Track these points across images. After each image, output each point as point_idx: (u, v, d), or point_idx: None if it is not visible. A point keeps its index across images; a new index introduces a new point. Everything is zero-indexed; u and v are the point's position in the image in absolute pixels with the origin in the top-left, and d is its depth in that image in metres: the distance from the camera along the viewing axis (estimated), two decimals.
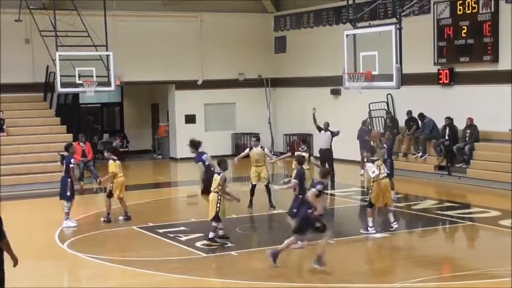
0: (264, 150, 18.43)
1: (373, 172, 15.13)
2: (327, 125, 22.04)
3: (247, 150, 18.84)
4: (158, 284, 12.42)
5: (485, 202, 18.69)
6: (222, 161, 14.68)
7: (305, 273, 12.86)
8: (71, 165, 16.99)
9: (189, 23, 29.68)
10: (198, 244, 14.65)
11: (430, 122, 23.41)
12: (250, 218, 17.96)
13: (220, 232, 14.79)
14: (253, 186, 18.33)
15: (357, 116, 25.13)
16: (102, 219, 17.17)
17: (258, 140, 18.86)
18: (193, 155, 16.46)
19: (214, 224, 14.42)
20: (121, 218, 17.32)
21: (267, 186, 18.27)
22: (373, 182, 15.30)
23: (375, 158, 15.55)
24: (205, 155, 16.11)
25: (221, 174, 14.34)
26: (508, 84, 21.20)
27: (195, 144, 16.41)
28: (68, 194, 16.80)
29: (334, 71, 23.98)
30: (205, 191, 15.40)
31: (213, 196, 14.40)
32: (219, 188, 14.29)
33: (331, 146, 22.06)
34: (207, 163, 15.96)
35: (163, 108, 31.76)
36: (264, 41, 30.85)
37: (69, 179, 16.85)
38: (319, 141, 22.94)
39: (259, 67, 30.65)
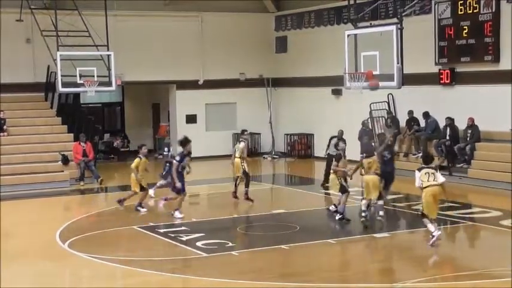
0: (239, 144, 19.24)
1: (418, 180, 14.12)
2: (341, 133, 21.20)
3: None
4: (159, 283, 12.42)
5: (486, 202, 18.67)
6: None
7: (306, 273, 12.85)
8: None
9: (190, 22, 29.66)
10: (200, 244, 14.66)
11: (433, 122, 23.37)
12: (251, 217, 17.97)
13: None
14: (236, 178, 19.59)
15: (358, 116, 25.04)
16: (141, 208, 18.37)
17: (242, 132, 20.19)
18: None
19: (380, 202, 16.13)
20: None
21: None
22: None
23: (425, 166, 14.10)
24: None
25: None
26: (509, 84, 21.19)
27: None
28: None
29: (335, 71, 23.95)
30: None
31: (373, 178, 15.95)
32: (376, 169, 16.05)
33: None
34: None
35: (164, 108, 31.75)
36: (265, 41, 30.84)
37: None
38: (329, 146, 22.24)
39: (260, 67, 30.63)
